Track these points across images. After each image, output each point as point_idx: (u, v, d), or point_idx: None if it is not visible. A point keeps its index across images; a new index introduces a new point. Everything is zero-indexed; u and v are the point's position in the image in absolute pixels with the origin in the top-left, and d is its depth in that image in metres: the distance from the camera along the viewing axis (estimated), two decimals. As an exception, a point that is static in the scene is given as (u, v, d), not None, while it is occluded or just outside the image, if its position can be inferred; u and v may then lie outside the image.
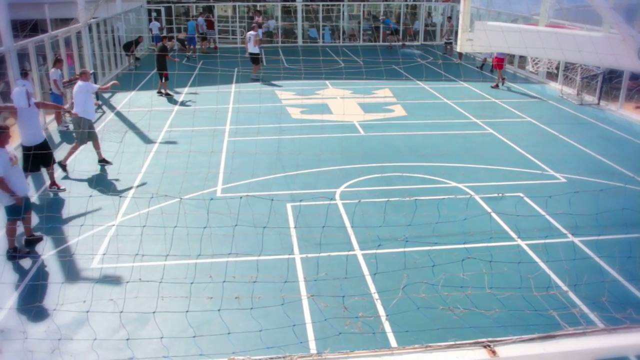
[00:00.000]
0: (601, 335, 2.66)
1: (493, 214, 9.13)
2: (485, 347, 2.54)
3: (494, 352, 2.51)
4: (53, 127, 14.49)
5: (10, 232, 8.06)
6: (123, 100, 17.95)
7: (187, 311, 5.37)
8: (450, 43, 26.89)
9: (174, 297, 6.29)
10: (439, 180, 11.05)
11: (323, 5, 30.96)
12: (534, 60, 18.93)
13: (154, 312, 5.46)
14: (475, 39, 7.97)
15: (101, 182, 11.08)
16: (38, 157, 9.80)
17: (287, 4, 31.04)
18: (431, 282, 6.35)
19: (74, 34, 17.51)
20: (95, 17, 19.54)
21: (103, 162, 11.98)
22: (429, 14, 33.27)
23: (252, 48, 20.52)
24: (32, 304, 6.99)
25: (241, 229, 6.93)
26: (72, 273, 7.80)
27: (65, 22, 17.61)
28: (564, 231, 8.81)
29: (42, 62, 15.92)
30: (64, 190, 10.57)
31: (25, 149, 9.87)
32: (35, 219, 8.98)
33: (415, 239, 7.84)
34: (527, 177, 11.24)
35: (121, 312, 6.15)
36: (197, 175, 10.85)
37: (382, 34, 31.14)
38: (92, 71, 17.84)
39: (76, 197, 10.39)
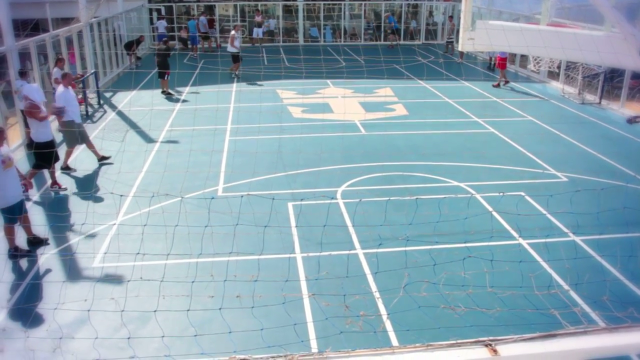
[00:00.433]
0: (602, 334, 2.66)
1: (494, 213, 9.12)
2: (486, 346, 2.54)
3: (495, 351, 2.51)
4: (54, 127, 14.47)
5: (9, 232, 8.04)
6: (124, 99, 17.96)
7: (188, 310, 5.38)
8: (452, 42, 26.87)
9: (175, 296, 6.29)
10: (440, 179, 11.04)
11: (324, 4, 30.93)
12: (535, 60, 18.93)
13: (155, 311, 5.46)
14: (476, 38, 7.96)
15: (102, 181, 11.08)
16: (45, 156, 9.82)
17: (289, 3, 31.02)
18: (432, 281, 6.34)
19: (75, 33, 17.52)
20: (97, 17, 19.54)
21: (103, 159, 11.96)
22: (430, 13, 33.23)
23: (230, 47, 21.07)
24: (34, 302, 7.01)
25: (242, 228, 6.93)
26: (73, 272, 7.81)
27: (66, 21, 17.61)
28: (565, 230, 8.80)
29: (44, 61, 15.93)
30: (65, 189, 10.57)
31: (41, 146, 9.88)
32: (35, 225, 8.92)
33: (416, 238, 7.84)
34: (529, 176, 11.24)
35: (122, 311, 6.15)
36: (198, 175, 10.85)
37: (383, 33, 31.12)
38: (93, 70, 17.91)
39: (77, 196, 10.41)
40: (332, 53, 26.43)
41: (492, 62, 23.62)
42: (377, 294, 6.94)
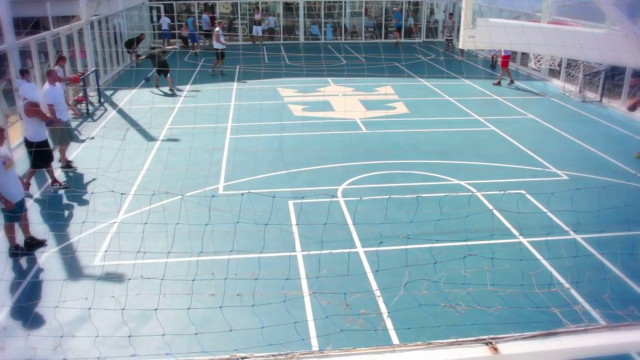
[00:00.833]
0: (603, 332, 2.66)
1: (495, 211, 9.12)
2: (487, 344, 2.54)
3: (495, 349, 2.51)
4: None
5: (10, 230, 8.04)
6: (125, 97, 17.96)
7: (189, 308, 5.38)
8: (452, 40, 26.83)
9: (176, 294, 6.29)
10: (441, 177, 11.04)
11: (325, 1, 30.90)
12: (536, 57, 18.93)
13: (155, 309, 5.47)
14: (477, 35, 7.96)
15: (103, 180, 11.08)
16: (40, 154, 9.81)
17: (289, 0, 30.98)
18: (433, 279, 6.35)
19: (76, 32, 17.51)
20: (97, 15, 19.53)
21: (67, 166, 11.71)
22: (432, 11, 33.19)
23: (216, 44, 21.16)
24: (34, 301, 7.01)
25: (243, 226, 6.93)
26: (74, 270, 7.82)
27: (67, 19, 17.60)
28: (566, 228, 8.80)
29: (45, 59, 15.92)
30: (66, 187, 10.59)
31: (38, 146, 9.87)
32: (36, 223, 8.93)
33: (417, 236, 7.85)
34: (529, 174, 11.23)
35: (123, 309, 6.16)
36: (199, 173, 10.85)
37: (387, 30, 31.08)
38: (94, 68, 17.91)
39: (78, 194, 10.42)
40: (332, 51, 26.41)
41: (495, 60, 23.57)
42: (377, 292, 6.94)
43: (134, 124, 14.94)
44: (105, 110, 16.58)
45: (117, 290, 6.98)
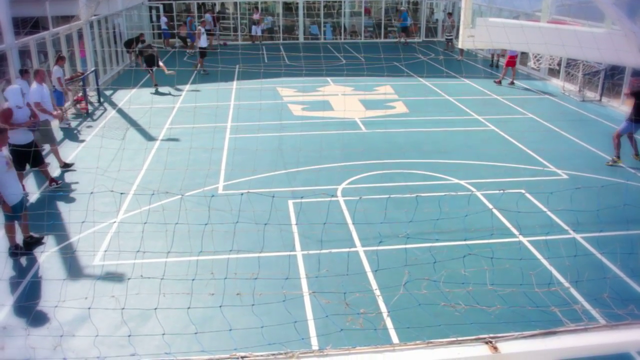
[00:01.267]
0: (603, 331, 2.66)
1: (494, 211, 9.12)
2: (486, 343, 2.54)
3: (495, 349, 2.51)
4: (55, 125, 14.47)
5: (10, 230, 8.05)
6: (124, 97, 17.95)
7: (188, 308, 5.37)
8: (451, 39, 26.82)
9: (176, 294, 6.29)
10: (441, 176, 11.04)
11: (324, 1, 30.89)
12: (535, 57, 18.92)
13: (155, 309, 5.47)
14: (476, 35, 7.96)
15: (102, 179, 11.07)
16: (26, 156, 9.76)
17: (289, 0, 30.97)
18: (432, 278, 6.34)
19: (75, 31, 17.51)
20: (97, 14, 19.52)
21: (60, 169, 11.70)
22: (432, 11, 33.18)
23: (200, 42, 21.36)
24: (34, 300, 7.01)
25: (242, 226, 6.94)
26: (73, 270, 7.81)
27: (66, 19, 17.59)
28: (566, 227, 8.81)
29: (44, 59, 15.92)
30: (60, 184, 10.58)
31: (21, 147, 9.82)
32: (35, 223, 8.92)
33: (416, 236, 7.85)
34: (529, 174, 11.23)
35: (123, 308, 6.16)
36: (198, 172, 10.85)
37: (384, 31, 31.06)
38: (93, 68, 17.90)
39: (77, 194, 10.41)
40: (332, 51, 26.40)
41: (496, 60, 23.57)
42: (377, 292, 6.94)
43: (133, 123, 14.94)
44: (105, 110, 16.57)
45: (117, 290, 6.97)
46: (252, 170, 10.83)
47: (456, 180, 10.81)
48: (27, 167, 10.33)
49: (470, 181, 10.71)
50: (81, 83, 16.12)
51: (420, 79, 20.29)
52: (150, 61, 18.97)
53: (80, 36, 17.58)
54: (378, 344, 2.56)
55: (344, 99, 17.45)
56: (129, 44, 22.83)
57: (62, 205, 10.03)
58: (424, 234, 7.81)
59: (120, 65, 22.36)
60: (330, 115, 15.67)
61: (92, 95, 17.55)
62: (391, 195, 9.43)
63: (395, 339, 6.22)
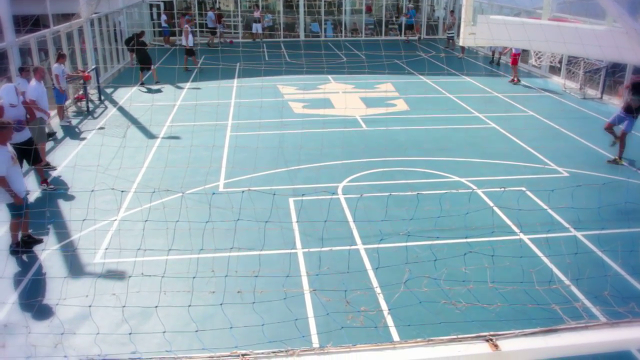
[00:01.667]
0: (603, 329, 2.66)
1: (495, 208, 9.12)
2: (487, 341, 2.54)
3: (496, 346, 2.51)
4: (55, 122, 14.49)
5: (14, 227, 8.06)
6: (125, 95, 17.95)
7: (189, 305, 5.38)
8: (453, 37, 26.79)
9: (177, 292, 6.30)
10: (441, 174, 11.03)
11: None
12: (536, 54, 18.88)
13: (156, 307, 5.47)
14: (478, 32, 7.94)
15: (103, 177, 11.08)
16: (23, 154, 9.78)
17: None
18: (433, 276, 6.34)
19: (76, 29, 17.50)
20: (97, 12, 19.51)
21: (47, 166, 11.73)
22: (433, 9, 33.13)
23: (184, 40, 21.39)
24: (35, 298, 7.02)
25: (243, 224, 6.93)
26: (74, 268, 7.82)
27: (67, 17, 17.59)
28: (566, 225, 8.80)
29: (45, 57, 15.91)
30: (53, 188, 10.54)
31: (21, 145, 9.85)
32: (36, 221, 8.93)
33: (417, 233, 7.84)
34: (530, 171, 11.22)
35: (124, 306, 6.17)
36: (199, 170, 10.85)
37: (384, 29, 31.02)
38: (94, 66, 17.89)
39: (78, 192, 10.41)
40: (333, 48, 26.38)
41: (497, 57, 23.53)
42: (378, 290, 6.95)
43: (134, 121, 14.95)
44: (106, 108, 16.57)
45: (118, 288, 6.98)
46: (252, 168, 10.83)
47: (457, 178, 10.80)
48: (25, 164, 10.34)
49: (471, 179, 10.70)
50: (82, 81, 16.10)
51: (421, 77, 20.27)
52: (145, 60, 18.92)
53: (70, 38, 17.52)
54: (379, 342, 2.56)
55: (345, 97, 17.44)
56: (129, 41, 22.81)
57: (62, 203, 10.04)
58: (424, 232, 7.80)
59: (121, 63, 22.34)
60: (331, 113, 15.66)
61: (93, 94, 17.54)
62: (392, 193, 9.42)
63: (395, 336, 6.23)
